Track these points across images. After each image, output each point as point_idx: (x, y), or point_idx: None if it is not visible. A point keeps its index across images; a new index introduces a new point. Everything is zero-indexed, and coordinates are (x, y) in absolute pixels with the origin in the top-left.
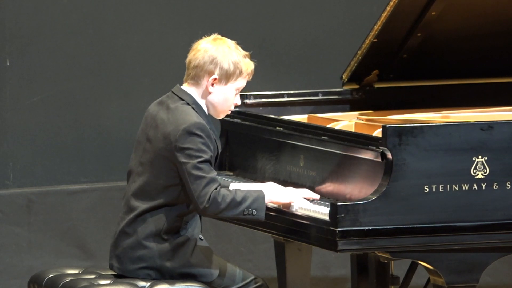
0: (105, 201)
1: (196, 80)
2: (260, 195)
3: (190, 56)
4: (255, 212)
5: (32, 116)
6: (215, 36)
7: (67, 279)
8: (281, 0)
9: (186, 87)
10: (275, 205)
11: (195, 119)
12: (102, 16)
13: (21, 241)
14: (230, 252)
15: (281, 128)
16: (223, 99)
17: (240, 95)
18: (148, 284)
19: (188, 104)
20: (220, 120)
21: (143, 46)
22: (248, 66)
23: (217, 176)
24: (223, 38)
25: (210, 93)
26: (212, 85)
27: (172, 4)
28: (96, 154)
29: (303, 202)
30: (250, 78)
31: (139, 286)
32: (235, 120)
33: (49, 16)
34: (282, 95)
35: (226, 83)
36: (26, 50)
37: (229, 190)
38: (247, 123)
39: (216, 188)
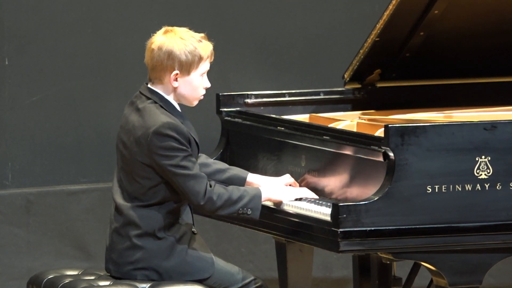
0: (105, 201)
1: (159, 79)
2: (257, 194)
3: (147, 57)
4: (250, 212)
5: (31, 115)
6: (165, 28)
7: (67, 280)
8: None
9: (152, 85)
10: (270, 203)
11: (162, 120)
12: (101, 15)
13: (20, 242)
14: (231, 253)
15: (283, 128)
16: (191, 88)
17: (241, 94)
18: (148, 285)
19: (156, 103)
20: (221, 120)
21: (143, 46)
22: (205, 49)
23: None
24: (174, 28)
25: (176, 87)
26: (176, 79)
27: (172, 3)
28: (96, 154)
29: (301, 202)
30: (212, 59)
31: (139, 287)
32: (236, 119)
33: (48, 15)
34: (283, 95)
35: (189, 74)
36: (25, 49)
37: (225, 188)
38: (248, 122)
39: (210, 186)
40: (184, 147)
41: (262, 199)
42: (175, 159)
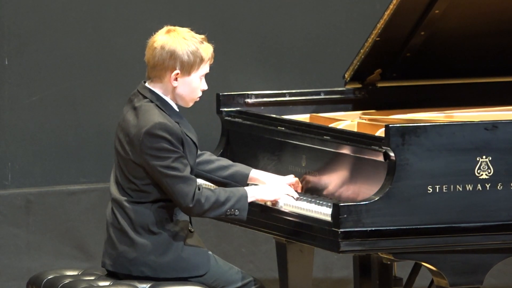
0: (105, 201)
1: (158, 77)
2: (243, 195)
3: (148, 55)
4: (238, 212)
5: (31, 115)
6: (167, 28)
7: (66, 281)
8: None
9: (150, 84)
10: (262, 202)
11: (155, 120)
12: (101, 15)
13: (20, 242)
14: (231, 254)
15: (283, 128)
16: (190, 89)
17: (241, 94)
18: (148, 285)
19: (152, 102)
20: (221, 119)
21: (143, 46)
22: (207, 51)
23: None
24: (176, 28)
25: (175, 87)
26: (176, 79)
27: (172, 3)
28: (96, 154)
29: (289, 199)
30: (212, 61)
31: (139, 287)
32: (236, 119)
33: (48, 14)
34: (283, 95)
35: (189, 74)
36: (24, 49)
37: (212, 190)
38: (248, 122)
39: (199, 189)
40: (176, 149)
41: (248, 199)
42: (166, 160)
